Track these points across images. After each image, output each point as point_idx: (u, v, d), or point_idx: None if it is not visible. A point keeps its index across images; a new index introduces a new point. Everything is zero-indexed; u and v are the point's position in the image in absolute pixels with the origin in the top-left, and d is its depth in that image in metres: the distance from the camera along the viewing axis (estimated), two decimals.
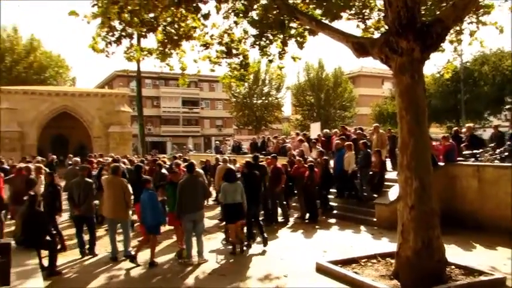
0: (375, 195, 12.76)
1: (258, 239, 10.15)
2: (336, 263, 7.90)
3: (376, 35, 10.39)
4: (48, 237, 7.73)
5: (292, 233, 11.62)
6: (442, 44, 8.79)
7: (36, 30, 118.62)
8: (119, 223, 9.02)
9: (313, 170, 12.82)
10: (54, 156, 22.24)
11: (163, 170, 12.68)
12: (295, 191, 13.58)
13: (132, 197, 9.39)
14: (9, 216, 12.01)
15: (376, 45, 7.26)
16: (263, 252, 9.48)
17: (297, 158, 14.07)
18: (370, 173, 13.06)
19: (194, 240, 8.80)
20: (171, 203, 9.45)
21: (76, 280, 7.63)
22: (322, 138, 17.81)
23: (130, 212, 9.57)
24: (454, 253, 8.06)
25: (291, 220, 13.10)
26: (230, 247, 9.58)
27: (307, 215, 12.99)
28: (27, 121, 34.15)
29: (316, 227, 12.15)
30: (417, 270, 6.60)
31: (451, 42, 11.01)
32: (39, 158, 17.63)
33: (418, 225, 6.70)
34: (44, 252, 7.87)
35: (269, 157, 13.66)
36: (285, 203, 13.23)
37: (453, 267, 7.26)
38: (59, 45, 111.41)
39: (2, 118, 33.29)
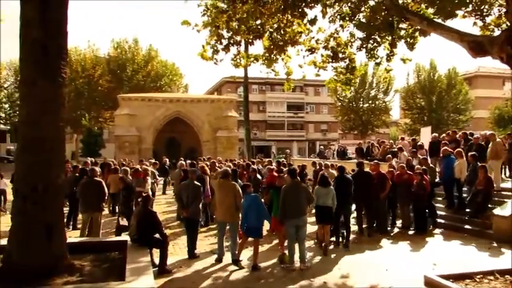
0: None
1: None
2: (447, 277, 7.36)
3: (497, 32, 9.60)
4: (159, 236, 8.16)
5: (397, 242, 11.09)
6: None
7: (154, 40, 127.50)
8: (228, 225, 9.21)
9: (423, 177, 12.12)
10: (167, 159, 23.60)
11: (258, 176, 12.99)
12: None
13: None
14: None
15: (495, 43, 6.68)
16: (367, 261, 9.22)
17: (400, 164, 13.43)
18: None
19: (296, 245, 8.78)
20: (275, 207, 9.56)
21: (184, 279, 7.96)
22: (425, 148, 16.73)
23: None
24: None
25: (395, 229, 12.56)
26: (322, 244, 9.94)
27: (413, 224, 12.34)
28: (144, 126, 36.76)
29: (424, 237, 11.50)
30: None
31: None
32: (153, 161, 18.84)
33: None
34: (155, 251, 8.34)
35: (372, 163, 13.25)
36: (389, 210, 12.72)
37: None
38: (173, 54, 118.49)
39: (123, 123, 36.24)
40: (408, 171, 12.64)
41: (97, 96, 47.74)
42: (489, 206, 12.02)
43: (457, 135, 16.41)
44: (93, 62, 48.45)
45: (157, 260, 8.19)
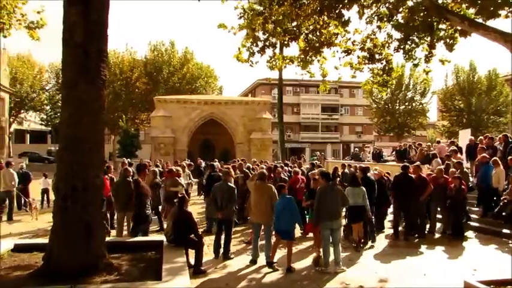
0: None
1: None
2: (488, 283, 7.09)
3: None
4: (195, 237, 8.23)
5: (434, 247, 10.81)
6: None
7: (190, 42, 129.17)
8: (263, 227, 9.19)
9: (461, 182, 11.77)
10: (202, 161, 23.74)
11: (284, 177, 13.08)
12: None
13: None
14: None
15: None
16: (404, 265, 9.06)
17: (438, 167, 13.07)
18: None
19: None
20: (310, 210, 9.56)
21: (218, 280, 7.99)
22: (458, 155, 16.19)
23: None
24: None
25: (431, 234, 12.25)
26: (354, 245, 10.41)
27: (449, 229, 11.97)
28: (179, 127, 37.16)
29: (461, 242, 11.19)
30: None
31: None
32: (188, 162, 19.03)
33: None
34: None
35: (412, 166, 12.96)
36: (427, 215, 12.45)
37: None
38: (208, 56, 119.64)
39: (158, 125, 36.78)
40: (445, 175, 12.33)
41: (134, 98, 48.73)
42: None
43: (495, 141, 15.80)
44: (130, 64, 49.53)
45: (192, 261, 8.26)
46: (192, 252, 8.34)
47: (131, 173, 11.92)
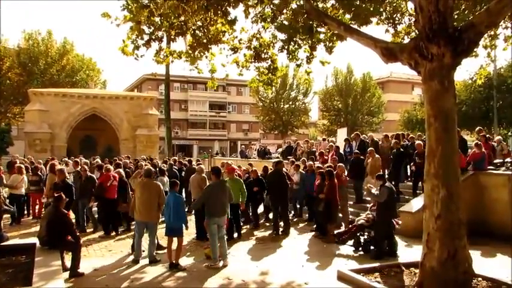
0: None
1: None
2: (358, 271, 7.77)
3: (406, 40, 10.23)
4: (71, 239, 7.75)
5: (310, 240, 11.35)
6: (475, 49, 8.60)
7: (69, 33, 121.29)
8: (147, 226, 8.98)
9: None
10: (82, 158, 22.45)
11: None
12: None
13: None
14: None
15: (405, 50, 7.12)
16: (285, 259, 9.44)
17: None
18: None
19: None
20: None
21: (97, 282, 7.63)
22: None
23: None
24: (481, 265, 7.71)
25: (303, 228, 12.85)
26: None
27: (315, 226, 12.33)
28: (57, 122, 34.73)
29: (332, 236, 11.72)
30: (442, 281, 6.45)
31: (485, 47, 10.73)
32: (66, 159, 18.01)
33: (443, 235, 6.52)
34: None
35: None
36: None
37: (480, 279, 7.02)
38: (91, 48, 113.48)
39: (34, 119, 34.01)
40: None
41: (5, 90, 44.32)
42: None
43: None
44: (0, 53, 45.02)
45: (69, 264, 7.77)
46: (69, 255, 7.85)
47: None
